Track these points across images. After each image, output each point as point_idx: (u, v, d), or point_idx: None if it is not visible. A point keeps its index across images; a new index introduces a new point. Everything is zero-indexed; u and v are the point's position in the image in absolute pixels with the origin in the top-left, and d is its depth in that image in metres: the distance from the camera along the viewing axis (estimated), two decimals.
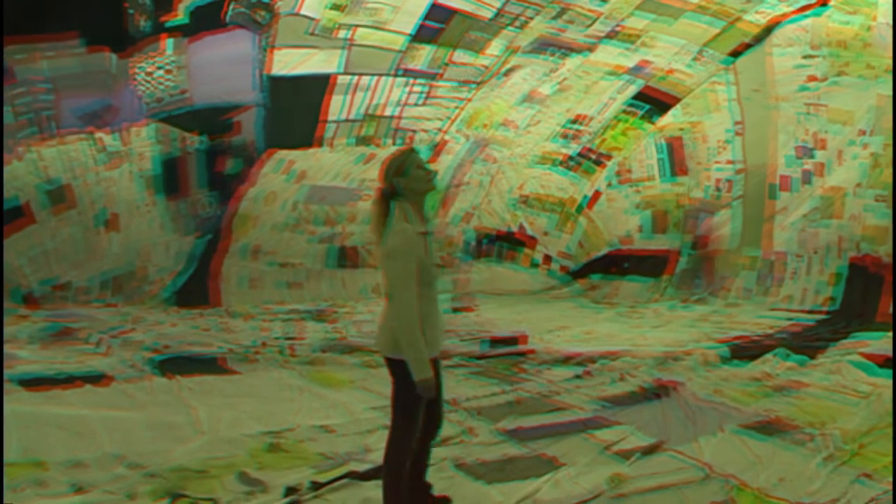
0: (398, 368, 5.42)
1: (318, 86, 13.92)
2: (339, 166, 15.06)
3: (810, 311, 13.79)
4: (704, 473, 6.94)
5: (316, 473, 6.96)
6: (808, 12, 14.73)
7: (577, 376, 10.41)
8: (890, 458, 7.20)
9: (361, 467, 7.09)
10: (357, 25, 12.90)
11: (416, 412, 5.57)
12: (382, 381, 10.08)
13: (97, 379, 9.79)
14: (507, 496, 6.49)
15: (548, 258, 18.03)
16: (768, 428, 8.15)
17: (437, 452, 7.36)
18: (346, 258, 15.84)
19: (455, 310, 15.14)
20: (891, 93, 13.86)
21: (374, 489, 6.55)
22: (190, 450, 7.52)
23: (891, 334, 11.73)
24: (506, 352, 11.78)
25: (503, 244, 17.73)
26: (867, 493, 6.46)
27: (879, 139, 13.99)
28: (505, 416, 8.62)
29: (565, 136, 17.12)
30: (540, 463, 7.25)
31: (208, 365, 10.84)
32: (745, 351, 11.26)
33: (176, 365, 10.63)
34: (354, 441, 7.87)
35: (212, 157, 14.23)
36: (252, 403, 9.14)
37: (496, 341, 12.34)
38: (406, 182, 5.49)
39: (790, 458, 7.24)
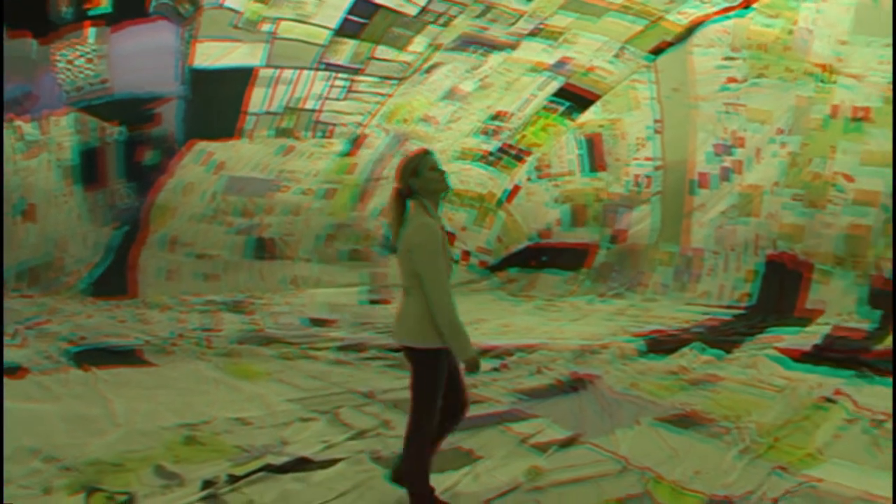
0: (421, 357, 5.66)
1: (241, 78, 13.77)
2: (258, 158, 14.92)
3: (727, 307, 14.00)
4: (621, 466, 6.99)
5: (233, 466, 6.91)
6: (730, 14, 14.95)
7: (495, 369, 10.44)
8: (804, 451, 7.32)
9: (278, 460, 7.05)
10: (281, 19, 12.75)
11: (436, 400, 5.78)
12: (299, 373, 10.23)
13: (13, 371, 9.62)
14: None
15: (467, 253, 18.02)
16: (684, 421, 8.24)
17: (353, 445, 7.50)
18: (264, 249, 15.69)
19: (372, 302, 15.06)
20: (810, 94, 14.19)
21: (292, 482, 6.58)
22: (106, 443, 7.43)
23: (808, 329, 12.11)
24: None
25: None
26: (782, 486, 6.54)
27: (797, 139, 14.29)
28: None
29: (486, 132, 17.13)
30: (458, 456, 7.23)
31: (125, 356, 10.72)
32: (661, 345, 11.40)
33: (92, 356, 10.50)
34: (271, 434, 7.83)
35: (131, 147, 13.99)
36: (169, 395, 9.06)
37: None
38: (420, 182, 5.72)
39: (706, 451, 7.31)
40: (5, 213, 13.69)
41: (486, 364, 10.57)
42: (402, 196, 5.79)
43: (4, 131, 13.21)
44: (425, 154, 5.86)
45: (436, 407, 5.80)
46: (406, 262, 5.65)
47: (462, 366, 5.73)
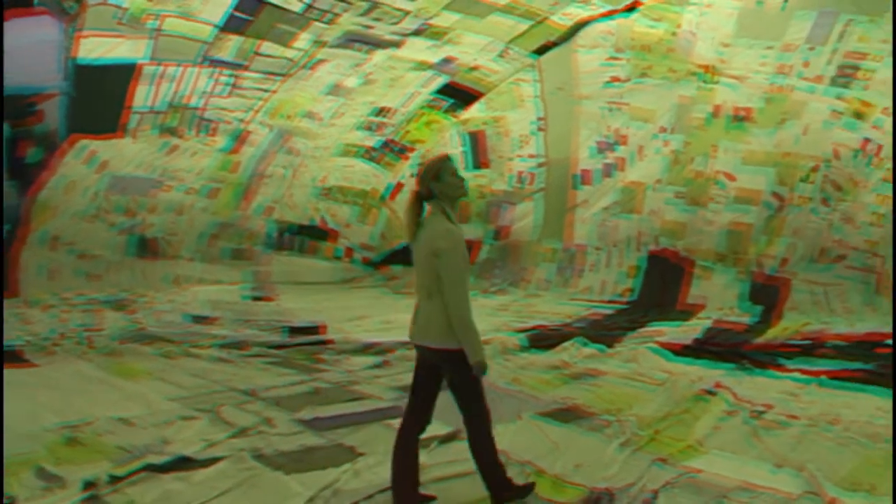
0: (454, 357, 5.70)
1: (124, 74, 13.35)
2: (142, 156, 14.54)
3: (610, 302, 14.13)
4: (503, 460, 6.72)
5: (114, 467, 6.71)
6: (614, 16, 15.07)
7: (377, 365, 10.41)
8: (684, 443, 7.41)
9: (159, 459, 6.88)
10: (166, 14, 12.43)
11: (482, 393, 5.94)
12: (182, 372, 10.01)
13: None
14: (307, 486, 6.38)
15: (350, 249, 17.87)
16: (566, 415, 8.25)
17: (234, 443, 7.38)
18: (147, 248, 15.29)
19: (255, 299, 14.85)
20: (692, 94, 14.42)
21: (173, 481, 6.44)
22: None
23: (689, 323, 12.33)
24: (305, 341, 11.72)
25: (305, 236, 17.46)
26: (662, 477, 6.58)
27: (680, 137, 14.52)
28: (304, 406, 8.55)
29: (369, 128, 17.02)
30: (339, 452, 7.20)
31: (5, 356, 10.36)
32: (543, 339, 11.44)
33: None
34: (153, 433, 7.67)
35: (12, 143, 13.43)
36: (50, 395, 8.86)
37: (296, 331, 12.28)
38: (441, 187, 5.78)
39: (587, 444, 7.31)
40: None
41: (367, 360, 10.63)
42: (421, 199, 5.87)
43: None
44: (446, 159, 5.97)
45: (482, 393, 5.96)
46: (429, 265, 5.70)
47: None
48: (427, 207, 5.87)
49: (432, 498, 6.26)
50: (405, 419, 6.07)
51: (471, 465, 6.41)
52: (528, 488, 6.27)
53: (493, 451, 6.03)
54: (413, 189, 5.91)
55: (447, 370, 5.86)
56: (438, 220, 5.73)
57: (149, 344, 11.33)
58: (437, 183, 5.79)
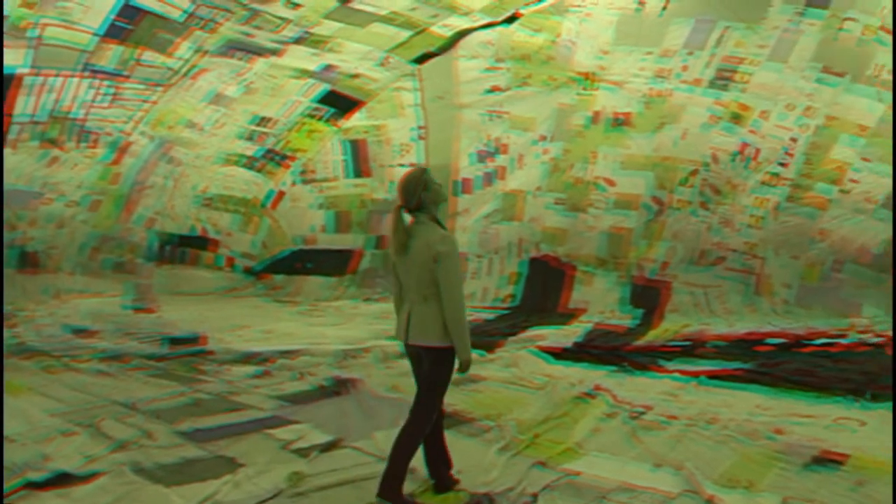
0: (444, 355, 6.09)
1: (3, 83, 12.87)
2: (21, 167, 14.04)
3: (491, 308, 14.10)
4: (385, 466, 6.69)
5: None
6: (494, 26, 15.06)
7: (257, 375, 10.24)
8: (564, 445, 7.41)
9: (39, 476, 6.62)
10: (46, 22, 12.02)
11: (445, 394, 6.36)
12: (62, 386, 9.58)
13: None
14: (187, 499, 6.23)
15: (231, 258, 17.56)
16: (446, 420, 7.94)
17: (115, 457, 7.14)
18: (27, 262, 14.76)
19: (136, 311, 14.47)
20: (572, 101, 14.51)
21: (53, 498, 6.25)
22: None
23: (570, 326, 12.35)
24: (186, 352, 11.44)
25: (186, 246, 17.10)
26: (542, 480, 6.57)
27: (560, 144, 14.56)
28: (184, 418, 8.35)
29: (250, 137, 16.75)
30: (219, 464, 7.04)
31: None
32: None
33: None
34: (32, 449, 7.33)
35: None
36: None
37: (176, 342, 11.97)
38: (429, 196, 6.14)
39: (468, 449, 7.25)
40: None
41: (248, 370, 10.45)
42: (408, 210, 6.17)
43: None
44: (427, 170, 6.31)
45: (442, 401, 6.40)
46: (426, 269, 6.04)
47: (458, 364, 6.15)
48: (410, 217, 6.19)
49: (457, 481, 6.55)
50: None
51: (352, 472, 6.57)
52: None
53: (413, 454, 6.24)
54: (397, 204, 6.18)
55: (432, 365, 6.17)
56: (432, 228, 6.10)
57: (29, 358, 10.90)
58: (426, 193, 6.12)
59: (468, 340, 6.07)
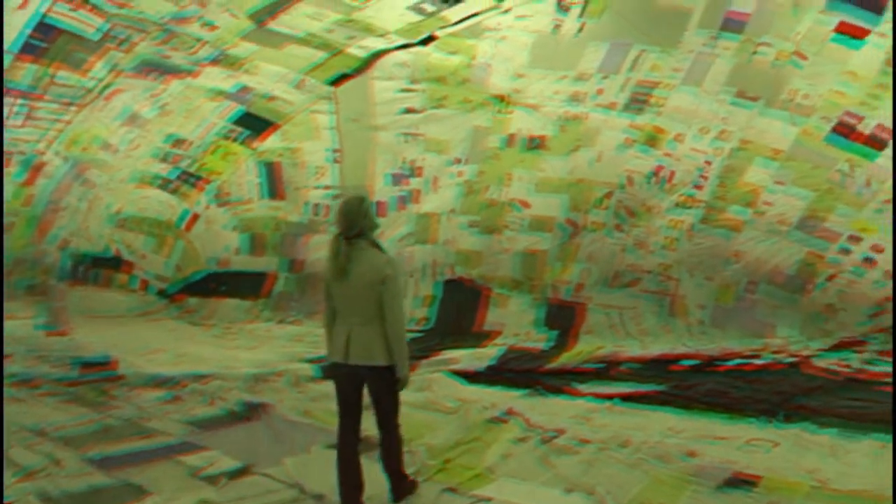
0: (389, 372, 6.45)
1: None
2: None
3: (406, 331, 13.86)
4: (296, 493, 6.96)
5: None
6: (410, 49, 14.97)
7: (167, 400, 10.09)
8: (474, 471, 7.40)
9: None
10: None
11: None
12: None
13: None
14: None
15: (145, 280, 17.24)
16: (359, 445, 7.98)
17: (22, 486, 7.03)
18: None
19: (49, 333, 14.11)
20: (487, 123, 14.50)
21: None
22: None
23: (485, 349, 12.27)
24: (96, 376, 11.20)
25: (100, 267, 16.74)
26: None
27: (474, 167, 14.52)
28: (93, 444, 8.22)
29: (165, 158, 16.49)
30: (127, 491, 6.98)
31: None
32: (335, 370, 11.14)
33: None
34: None
35: None
36: None
37: (87, 365, 11.71)
38: (368, 223, 6.44)
39: (378, 475, 7.06)
40: None
41: (159, 395, 10.29)
42: (349, 237, 6.35)
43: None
44: (365, 198, 6.61)
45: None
46: (372, 293, 6.30)
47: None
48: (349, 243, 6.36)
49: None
50: (347, 438, 6.70)
51: (262, 500, 6.67)
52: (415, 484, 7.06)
53: (402, 459, 6.88)
54: (338, 231, 6.40)
55: (379, 384, 6.53)
56: (374, 252, 6.41)
57: None
58: (366, 220, 6.41)
59: (408, 356, 6.50)
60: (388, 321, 6.33)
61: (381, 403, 6.63)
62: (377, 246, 6.49)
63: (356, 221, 6.33)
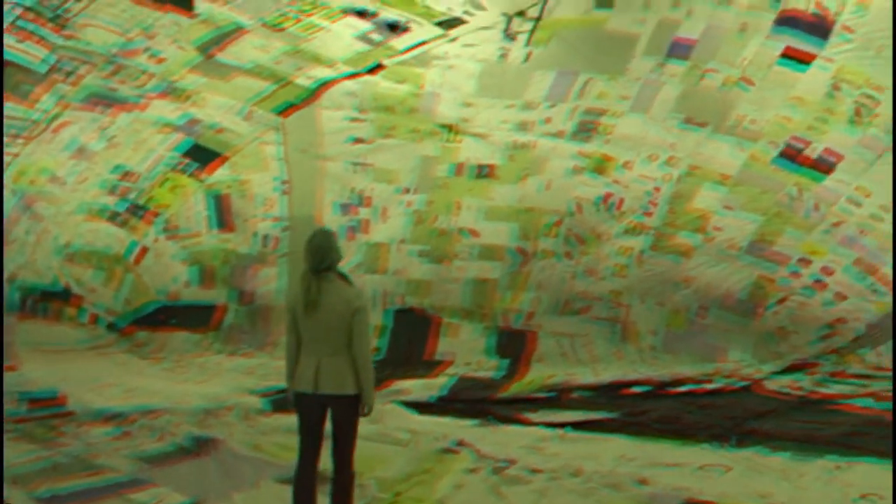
0: (354, 402, 6.63)
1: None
2: None
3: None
4: None
5: None
6: (358, 80, 14.97)
7: (117, 436, 9.90)
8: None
9: None
10: None
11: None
12: None
13: None
14: None
15: (94, 314, 17.02)
16: None
17: None
18: None
19: None
20: (436, 152, 14.45)
21: None
22: None
23: (435, 380, 12.17)
24: (44, 412, 10.98)
25: (49, 300, 16.51)
26: None
27: (423, 196, 14.44)
28: (41, 481, 8.09)
29: (113, 191, 16.33)
30: None
31: None
32: (286, 403, 10.93)
33: None
34: None
35: None
36: None
37: (35, 401, 11.49)
38: (336, 256, 6.58)
39: None
40: None
41: (108, 431, 10.11)
42: (320, 272, 6.47)
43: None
44: (332, 232, 6.91)
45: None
46: (342, 324, 6.44)
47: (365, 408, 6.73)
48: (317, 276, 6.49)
49: None
50: (306, 471, 6.84)
51: None
52: None
53: (353, 494, 6.90)
54: (308, 265, 6.52)
55: (345, 414, 6.67)
56: (343, 285, 6.57)
57: None
58: (335, 253, 6.55)
59: (373, 385, 6.73)
60: (359, 351, 6.50)
61: (343, 433, 6.74)
62: (345, 277, 6.65)
63: (327, 256, 6.48)
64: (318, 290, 6.42)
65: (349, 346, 6.47)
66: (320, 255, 6.47)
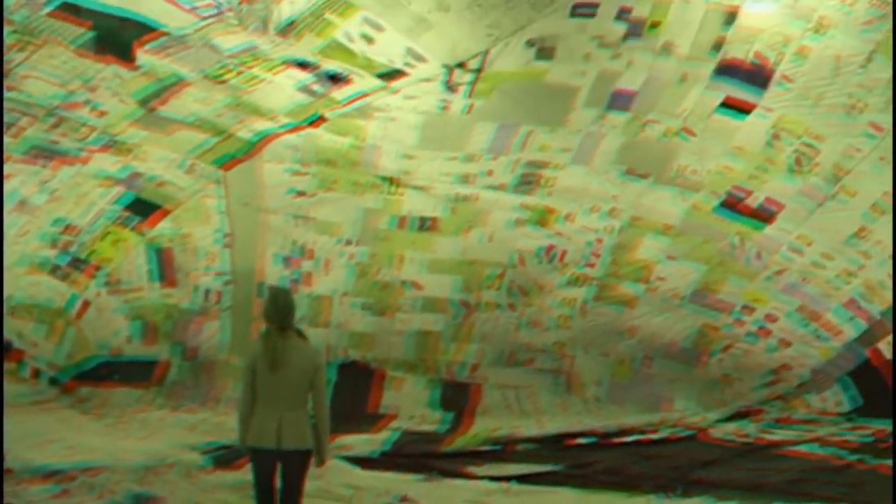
0: (308, 456, 6.87)
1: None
2: None
3: None
4: None
5: None
6: (300, 133, 14.92)
7: (55, 494, 9.83)
8: None
9: None
10: None
11: None
12: None
13: None
14: None
15: (36, 368, 16.73)
16: None
17: None
18: None
19: None
20: (378, 205, 14.38)
21: None
22: None
23: (379, 434, 12.07)
24: None
25: None
26: None
27: (365, 249, 14.36)
28: None
29: (54, 244, 16.14)
30: None
31: None
32: (228, 459, 10.99)
33: None
34: None
35: None
36: None
37: None
38: (294, 313, 6.97)
39: None
40: None
41: (47, 489, 10.01)
42: (282, 329, 6.73)
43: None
44: (290, 291, 7.81)
45: None
46: (304, 380, 6.69)
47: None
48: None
49: None
50: None
51: None
52: None
53: None
54: (270, 324, 6.79)
55: (298, 468, 6.88)
56: (302, 342, 6.88)
57: None
58: (295, 311, 7.01)
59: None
60: (319, 406, 6.80)
61: (294, 489, 6.94)
62: (301, 334, 6.94)
63: (290, 314, 6.85)
64: (283, 349, 6.63)
65: (306, 401, 6.74)
66: (284, 314, 6.77)
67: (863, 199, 12.12)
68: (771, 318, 11.89)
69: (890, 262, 11.83)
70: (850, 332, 11.74)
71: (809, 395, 11.50)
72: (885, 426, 10.49)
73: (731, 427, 10.85)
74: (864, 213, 12.07)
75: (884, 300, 11.77)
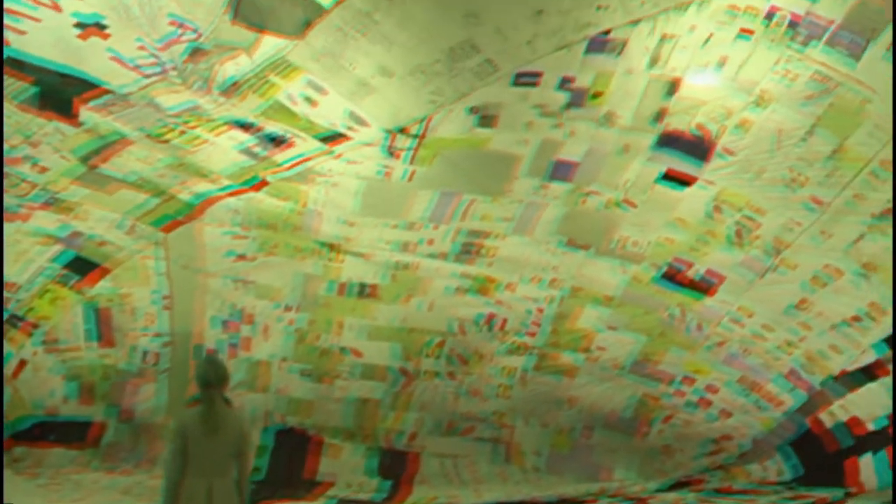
0: None
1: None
2: None
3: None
4: None
5: None
6: (240, 196, 14.79)
7: None
8: None
9: None
10: None
11: None
12: None
13: None
14: None
15: None
16: None
17: None
18: None
19: None
20: (318, 271, 14.33)
21: None
22: None
23: (314, 502, 12.09)
24: None
25: None
26: None
27: (305, 315, 14.30)
28: None
29: None
30: None
31: None
32: None
33: None
34: None
35: None
36: None
37: None
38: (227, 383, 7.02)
39: None
40: None
41: None
42: (218, 396, 6.85)
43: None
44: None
45: None
46: (235, 445, 6.84)
47: None
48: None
49: None
50: None
51: None
52: None
53: None
54: (213, 389, 6.83)
55: None
56: (229, 409, 7.04)
57: None
58: (228, 381, 7.03)
59: None
60: (244, 469, 6.96)
61: None
62: (229, 402, 7.06)
63: (226, 379, 6.98)
64: (218, 414, 6.76)
65: (232, 467, 6.84)
66: (222, 378, 6.93)
67: (803, 271, 12.20)
68: (712, 388, 11.96)
69: (830, 334, 11.97)
70: (791, 401, 11.89)
71: (750, 465, 11.57)
72: (826, 494, 10.53)
73: (671, 497, 10.89)
74: (803, 285, 12.15)
75: (824, 370, 11.87)
